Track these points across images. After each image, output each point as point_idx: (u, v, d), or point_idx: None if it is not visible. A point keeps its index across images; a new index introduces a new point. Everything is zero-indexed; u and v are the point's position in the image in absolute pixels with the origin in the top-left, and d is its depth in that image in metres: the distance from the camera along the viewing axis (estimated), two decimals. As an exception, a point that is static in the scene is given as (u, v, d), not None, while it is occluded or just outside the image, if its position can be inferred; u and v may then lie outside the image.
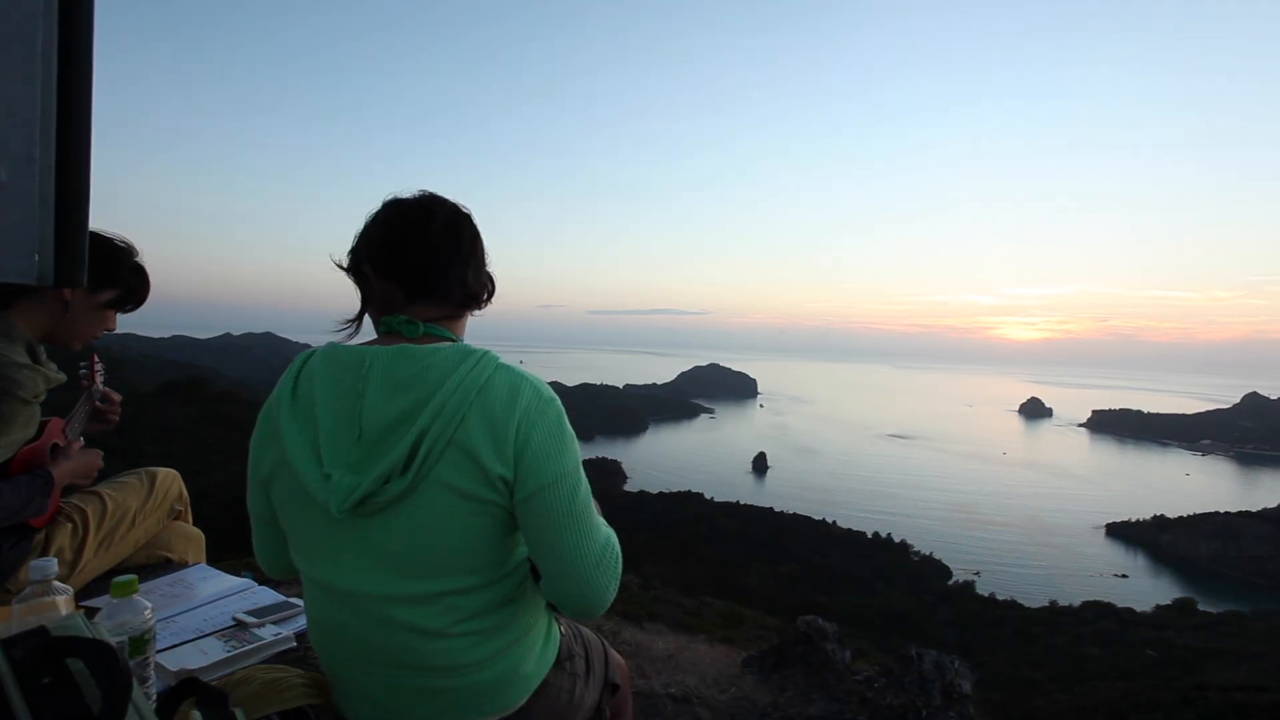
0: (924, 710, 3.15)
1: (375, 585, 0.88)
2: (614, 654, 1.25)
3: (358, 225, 1.01)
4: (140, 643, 0.97)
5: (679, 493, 68.32)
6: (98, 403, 1.76)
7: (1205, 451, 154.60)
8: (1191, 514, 79.08)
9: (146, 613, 0.98)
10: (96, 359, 1.77)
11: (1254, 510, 77.78)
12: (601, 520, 1.00)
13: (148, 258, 1.65)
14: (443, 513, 0.86)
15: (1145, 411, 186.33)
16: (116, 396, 1.80)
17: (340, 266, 1.01)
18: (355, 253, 1.00)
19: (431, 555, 0.88)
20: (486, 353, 0.91)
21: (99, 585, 1.70)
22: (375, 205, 1.01)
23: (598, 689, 1.16)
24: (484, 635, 0.94)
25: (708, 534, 51.67)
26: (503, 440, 0.86)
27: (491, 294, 1.07)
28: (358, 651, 0.94)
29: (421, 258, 0.97)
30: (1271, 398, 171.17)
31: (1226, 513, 78.38)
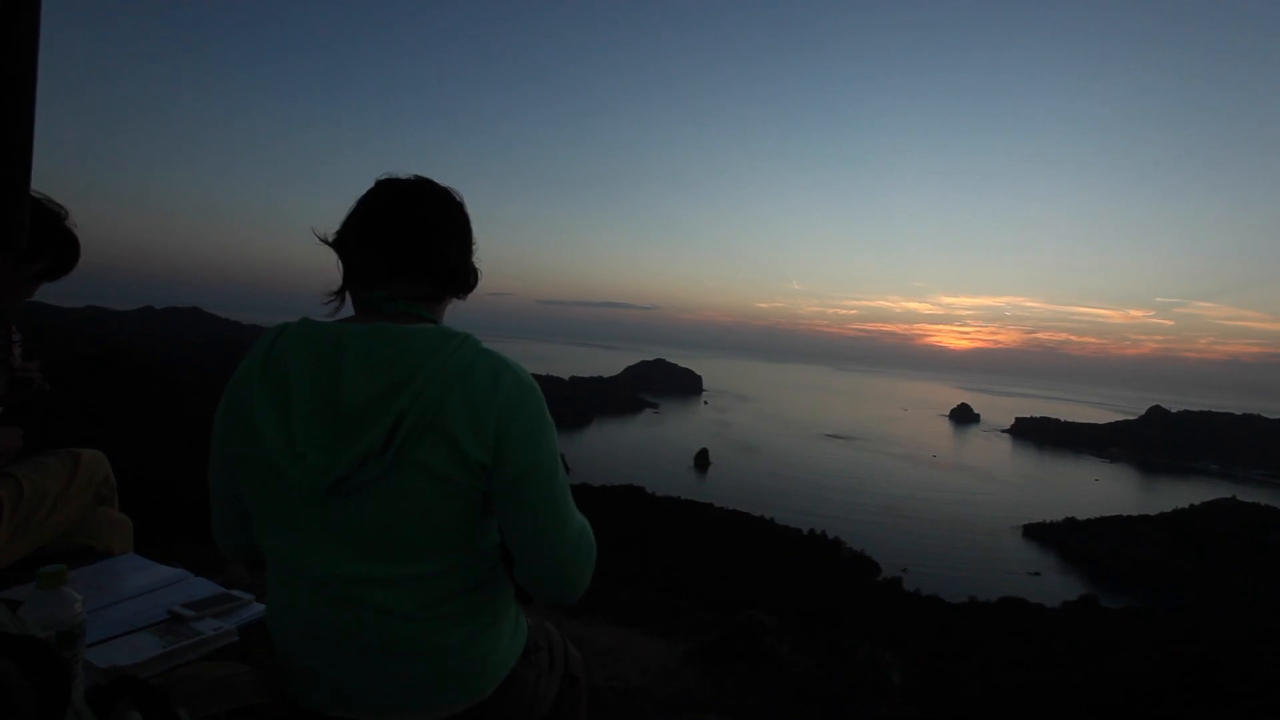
0: (857, 701, 3.28)
1: (347, 566, 0.87)
2: (573, 648, 1.26)
3: (330, 201, 1.01)
4: (69, 638, 0.89)
5: (621, 486, 68.50)
6: (16, 375, 1.63)
7: (1113, 459, 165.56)
8: (1099, 517, 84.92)
9: (77, 605, 0.90)
10: (15, 329, 1.64)
11: (1152, 514, 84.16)
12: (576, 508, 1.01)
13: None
14: (419, 495, 0.85)
15: (1063, 420, 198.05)
16: (36, 371, 1.67)
17: (325, 241, 0.99)
18: (343, 228, 0.99)
19: (405, 537, 0.86)
20: (469, 336, 0.90)
21: (12, 576, 1.58)
22: (350, 182, 1.00)
23: (558, 682, 1.16)
24: (454, 620, 0.93)
25: (649, 529, 52.02)
26: (483, 425, 0.85)
27: (474, 284, 1.07)
28: (325, 636, 0.91)
29: (406, 231, 0.96)
30: (1173, 411, 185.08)
31: (1128, 516, 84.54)
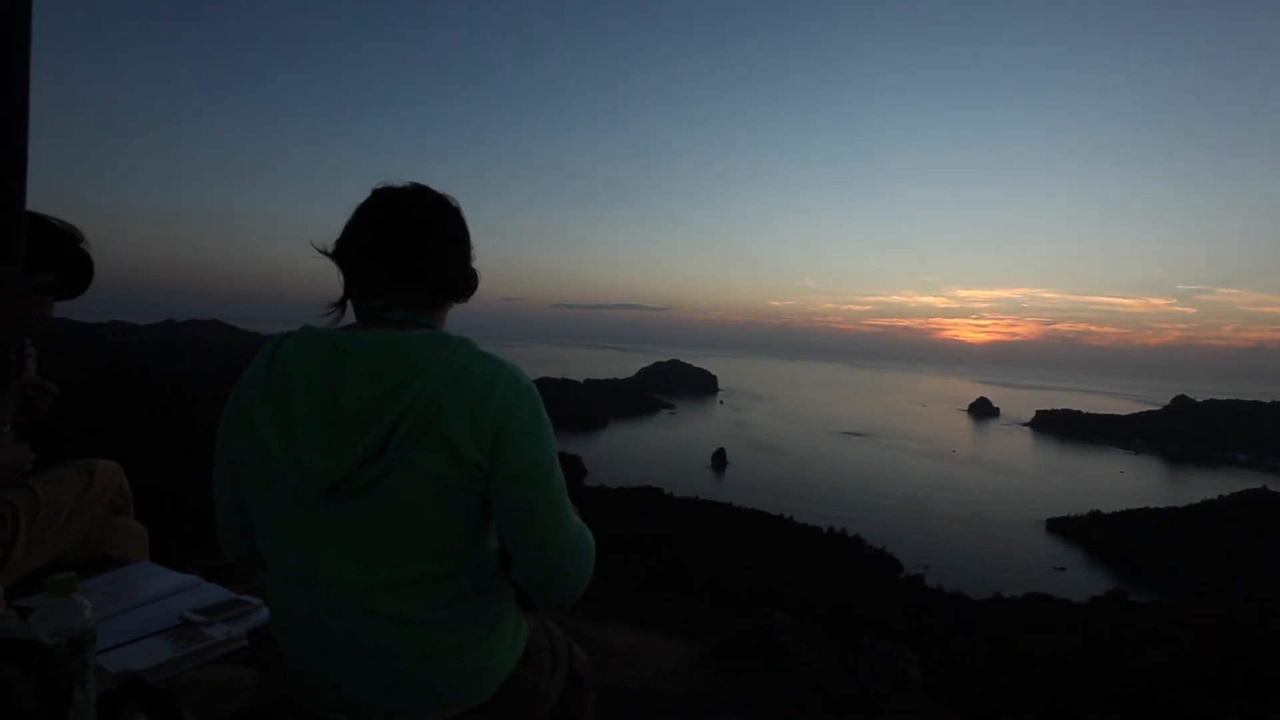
0: (876, 697, 3.25)
1: (346, 571, 0.88)
2: (577, 648, 1.26)
3: (346, 214, 1.00)
4: (77, 645, 0.91)
5: (639, 488, 68.59)
6: (29, 392, 1.66)
7: (1138, 451, 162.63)
8: (1124, 510, 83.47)
9: (86, 612, 0.92)
10: (29, 344, 1.67)
11: (1179, 507, 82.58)
12: (574, 510, 1.01)
13: (83, 232, 1.56)
14: (417, 498, 0.86)
15: (1084, 412, 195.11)
16: (52, 386, 1.70)
17: (324, 252, 1.00)
18: (342, 239, 1.00)
19: (404, 541, 0.87)
20: (465, 340, 0.91)
21: (31, 584, 1.61)
22: (364, 194, 1.00)
23: (562, 683, 1.16)
24: (455, 624, 0.93)
25: (666, 529, 51.95)
26: (479, 427, 0.86)
27: (474, 288, 1.07)
28: (326, 641, 0.92)
29: (404, 243, 0.97)
30: (1198, 400, 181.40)
31: (1155, 509, 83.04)
